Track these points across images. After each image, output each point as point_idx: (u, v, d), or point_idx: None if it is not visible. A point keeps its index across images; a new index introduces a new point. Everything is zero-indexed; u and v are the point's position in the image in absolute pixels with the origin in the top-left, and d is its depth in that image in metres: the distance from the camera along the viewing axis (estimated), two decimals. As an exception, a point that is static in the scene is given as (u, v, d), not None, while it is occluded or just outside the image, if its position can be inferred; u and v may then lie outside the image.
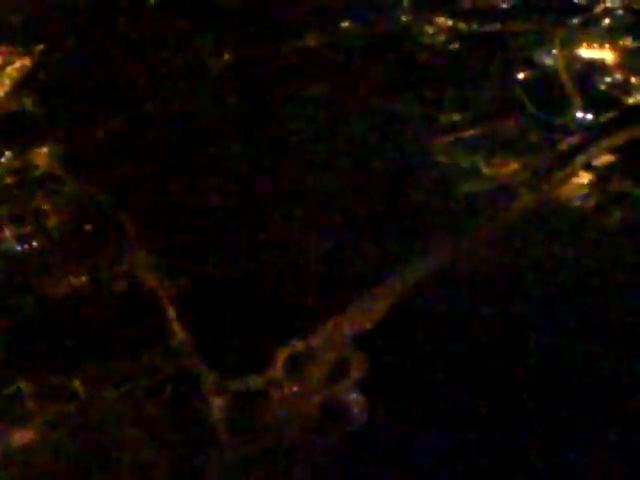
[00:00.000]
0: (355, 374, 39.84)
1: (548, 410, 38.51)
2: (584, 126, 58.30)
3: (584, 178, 53.50)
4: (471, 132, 56.57)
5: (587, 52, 67.86)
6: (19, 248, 48.56)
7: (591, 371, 40.15)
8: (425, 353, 41.70)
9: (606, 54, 67.91)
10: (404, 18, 70.78)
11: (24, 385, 39.35)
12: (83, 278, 45.84)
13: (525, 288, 46.45)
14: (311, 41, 65.89)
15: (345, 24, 68.65)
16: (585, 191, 52.58)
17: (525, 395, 39.87)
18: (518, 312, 44.57)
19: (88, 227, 49.23)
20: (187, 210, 49.19)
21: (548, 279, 46.78)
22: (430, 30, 68.96)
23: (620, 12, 74.59)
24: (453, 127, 57.17)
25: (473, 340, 42.56)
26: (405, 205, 51.08)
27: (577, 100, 61.03)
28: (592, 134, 57.32)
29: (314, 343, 41.29)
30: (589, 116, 59.10)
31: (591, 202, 51.89)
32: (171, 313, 42.52)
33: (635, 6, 75.62)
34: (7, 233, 49.11)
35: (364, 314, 43.27)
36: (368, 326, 43.01)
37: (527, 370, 41.33)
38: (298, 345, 40.47)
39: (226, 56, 64.94)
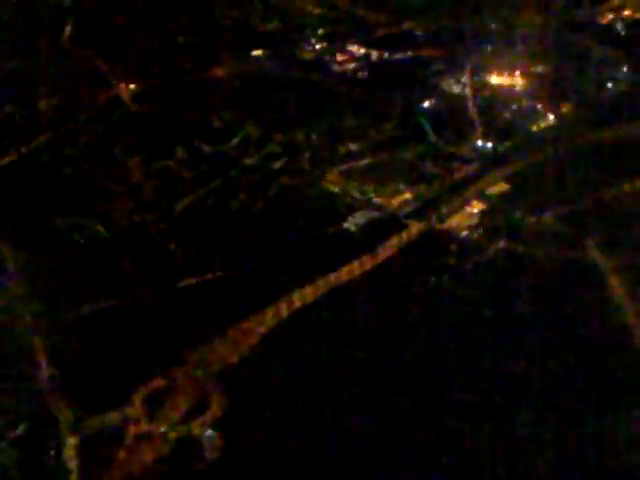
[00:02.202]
0: (215, 410, 39.47)
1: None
2: (483, 155, 58.03)
3: (475, 207, 53.14)
4: (368, 161, 56.07)
5: (497, 79, 67.97)
6: None
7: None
8: (286, 388, 41.31)
9: (516, 80, 68.08)
10: (317, 46, 70.15)
11: None
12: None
13: (407, 314, 46.16)
14: (219, 71, 65.69)
15: (256, 52, 68.32)
16: (474, 221, 52.04)
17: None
18: (392, 339, 44.27)
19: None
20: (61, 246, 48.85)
21: (430, 309, 46.44)
22: (341, 58, 68.57)
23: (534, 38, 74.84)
24: (351, 156, 56.73)
25: (341, 376, 42.27)
26: (292, 234, 50.60)
27: (479, 128, 60.91)
28: (489, 162, 57.07)
29: (176, 378, 40.95)
30: (489, 144, 58.88)
31: (479, 232, 51.31)
32: (39, 347, 42.06)
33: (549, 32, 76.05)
34: None
35: (232, 347, 43.02)
36: (235, 360, 42.71)
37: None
38: (159, 380, 40.06)
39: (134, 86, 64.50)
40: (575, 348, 44.74)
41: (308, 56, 68.74)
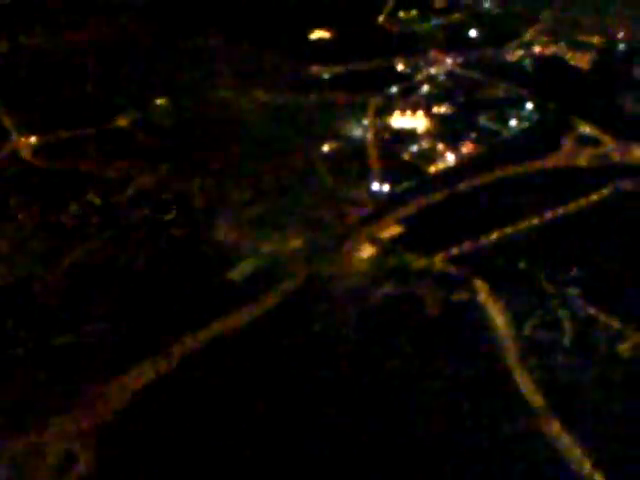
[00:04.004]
0: (82, 468, 38.96)
1: None
2: (378, 198, 58.23)
3: (367, 251, 53.20)
4: (261, 208, 56.06)
5: (400, 120, 68.50)
6: None
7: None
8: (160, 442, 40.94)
9: (419, 122, 68.65)
10: (223, 93, 70.50)
11: None
12: None
13: (289, 363, 45.97)
14: (123, 121, 65.75)
15: (159, 101, 68.49)
16: (365, 265, 52.06)
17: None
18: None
19: None
20: None
21: (311, 356, 46.27)
22: (245, 104, 68.89)
23: (441, 78, 75.70)
24: (243, 204, 56.72)
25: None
26: (178, 285, 50.43)
27: (377, 171, 61.20)
28: (383, 206, 57.25)
29: (45, 437, 40.41)
30: (386, 187, 59.12)
31: (369, 276, 51.32)
32: None
33: (457, 72, 77.04)
34: None
35: (104, 405, 42.56)
36: (108, 417, 42.22)
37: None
38: (28, 438, 39.52)
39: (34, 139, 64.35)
40: (454, 390, 44.45)
41: (214, 100, 68.23)
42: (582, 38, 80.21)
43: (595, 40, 79.90)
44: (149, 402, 45.08)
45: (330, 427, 43.87)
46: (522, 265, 52.67)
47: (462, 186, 60.62)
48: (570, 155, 66.08)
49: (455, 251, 54.45)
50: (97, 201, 57.45)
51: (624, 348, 48.50)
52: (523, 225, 57.21)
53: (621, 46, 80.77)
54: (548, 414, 44.40)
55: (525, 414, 44.71)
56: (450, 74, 75.32)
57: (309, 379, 45.78)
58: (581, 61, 77.11)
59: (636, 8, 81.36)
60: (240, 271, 52.15)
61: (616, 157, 65.83)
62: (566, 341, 48.19)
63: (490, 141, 67.07)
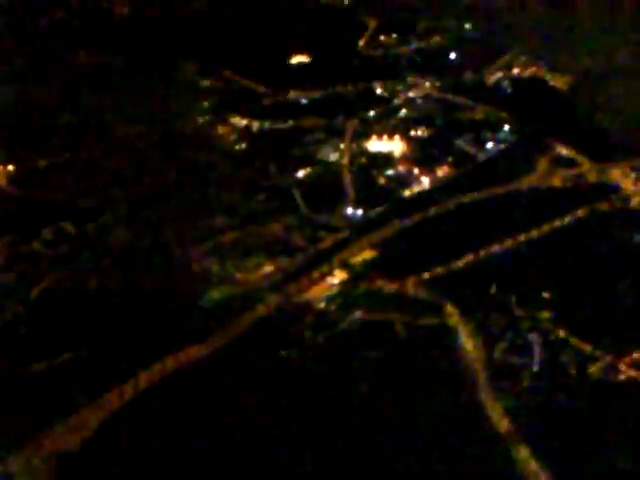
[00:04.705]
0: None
1: None
2: (352, 222, 58.43)
3: (339, 276, 53.34)
4: (233, 235, 56.25)
5: (376, 145, 68.79)
6: None
7: None
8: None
9: (395, 145, 68.94)
10: (200, 119, 70.79)
11: None
12: None
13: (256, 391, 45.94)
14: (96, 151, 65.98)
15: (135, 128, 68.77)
16: (336, 290, 52.19)
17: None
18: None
19: None
20: None
21: (279, 384, 46.28)
22: (222, 130, 69.20)
23: (420, 102, 76.06)
24: (216, 231, 56.89)
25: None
26: (147, 313, 50.51)
27: (351, 196, 61.42)
28: (356, 230, 57.45)
29: (11, 468, 40.38)
30: (360, 212, 59.33)
31: (340, 301, 51.45)
32: None
33: (435, 95, 77.39)
34: None
35: (72, 433, 42.53)
36: (77, 446, 42.20)
37: None
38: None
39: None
40: (421, 415, 44.50)
41: (187, 131, 68.56)
42: (562, 60, 79.91)
43: (574, 62, 79.68)
44: (115, 431, 44.96)
45: (296, 451, 43.65)
46: (493, 289, 52.48)
47: (436, 210, 60.58)
48: (545, 176, 66.08)
49: (427, 275, 54.28)
50: (70, 229, 57.57)
51: (594, 371, 48.40)
52: (496, 248, 57.05)
53: (600, 69, 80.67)
54: (516, 439, 44.21)
55: (492, 438, 44.53)
56: (428, 97, 75.23)
57: (278, 405, 45.48)
58: (560, 83, 77.17)
59: (615, 33, 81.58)
60: (211, 298, 52.17)
61: (592, 178, 65.74)
62: (536, 365, 47.95)
63: (466, 164, 66.92)
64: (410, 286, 54.34)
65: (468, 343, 50.68)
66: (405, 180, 64.80)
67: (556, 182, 67.74)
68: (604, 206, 64.28)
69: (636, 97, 74.46)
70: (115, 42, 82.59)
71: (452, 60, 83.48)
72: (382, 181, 65.23)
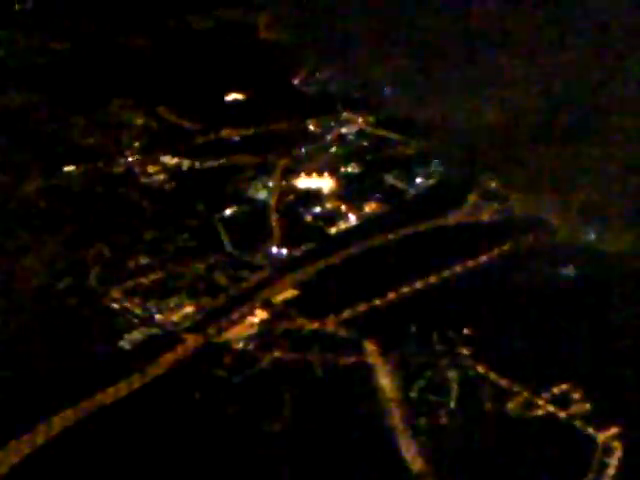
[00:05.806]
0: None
1: None
2: (276, 261, 58.50)
3: (259, 315, 53.35)
4: (156, 275, 56.13)
5: (306, 182, 69.03)
6: None
7: None
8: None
9: (324, 182, 69.22)
10: (130, 159, 70.74)
11: None
12: None
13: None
14: (29, 187, 65.76)
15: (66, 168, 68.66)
16: (256, 330, 52.18)
17: None
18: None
19: None
20: None
21: (197, 426, 46.08)
22: (152, 169, 69.17)
23: (351, 138, 76.55)
24: (140, 271, 56.76)
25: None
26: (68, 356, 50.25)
27: (277, 234, 61.53)
28: (279, 269, 57.53)
29: None
30: (284, 250, 59.42)
31: (259, 340, 51.42)
32: None
33: (367, 131, 77.94)
34: None
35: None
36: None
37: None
38: None
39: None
40: (336, 454, 44.37)
41: (118, 171, 68.55)
42: (495, 93, 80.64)
43: (508, 95, 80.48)
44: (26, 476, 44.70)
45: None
46: (414, 326, 52.70)
47: (361, 247, 60.90)
48: (473, 211, 66.63)
49: (348, 314, 54.44)
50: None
51: (512, 407, 48.65)
52: (419, 285, 57.40)
53: (536, 101, 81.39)
54: (429, 478, 44.33)
55: (405, 479, 44.64)
56: (361, 133, 75.59)
57: (195, 446, 45.44)
58: (491, 116, 77.87)
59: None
60: (130, 340, 52.02)
61: (518, 211, 66.35)
62: (452, 403, 48.14)
63: (395, 200, 67.31)
64: (330, 324, 54.42)
65: (385, 382, 50.79)
66: (332, 217, 64.74)
67: (484, 216, 68.37)
68: (530, 239, 64.99)
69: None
70: (47, 79, 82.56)
71: (387, 95, 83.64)
72: (309, 219, 65.19)
